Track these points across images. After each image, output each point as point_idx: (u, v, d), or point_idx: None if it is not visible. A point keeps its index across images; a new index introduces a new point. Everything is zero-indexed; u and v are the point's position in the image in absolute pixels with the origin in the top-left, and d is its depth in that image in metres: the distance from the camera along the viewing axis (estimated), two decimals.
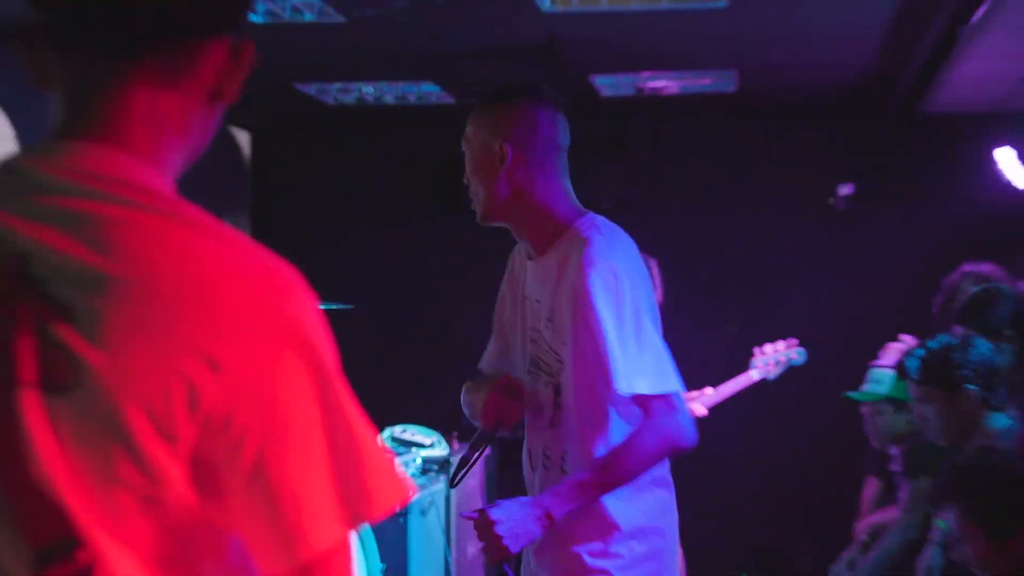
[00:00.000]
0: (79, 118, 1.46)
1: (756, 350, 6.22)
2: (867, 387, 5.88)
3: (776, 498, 7.54)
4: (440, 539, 6.27)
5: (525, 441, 4.27)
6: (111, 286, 1.35)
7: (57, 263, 1.36)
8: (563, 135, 3.89)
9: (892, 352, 5.86)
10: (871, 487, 6.32)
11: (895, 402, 5.78)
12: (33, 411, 1.36)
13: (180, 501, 1.32)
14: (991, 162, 6.01)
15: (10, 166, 1.46)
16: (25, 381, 1.35)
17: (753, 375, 6.18)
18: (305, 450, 1.33)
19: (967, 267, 5.64)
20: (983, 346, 4.36)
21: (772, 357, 6.19)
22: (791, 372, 6.57)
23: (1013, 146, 5.82)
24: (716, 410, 6.26)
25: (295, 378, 1.33)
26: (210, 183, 7.73)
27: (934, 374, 4.29)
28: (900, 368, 4.76)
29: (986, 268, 5.42)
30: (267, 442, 1.32)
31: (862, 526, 6.33)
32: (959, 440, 4.36)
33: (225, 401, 1.30)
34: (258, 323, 1.36)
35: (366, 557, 5.42)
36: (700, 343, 6.43)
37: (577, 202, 3.72)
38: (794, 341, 6.25)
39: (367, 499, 1.35)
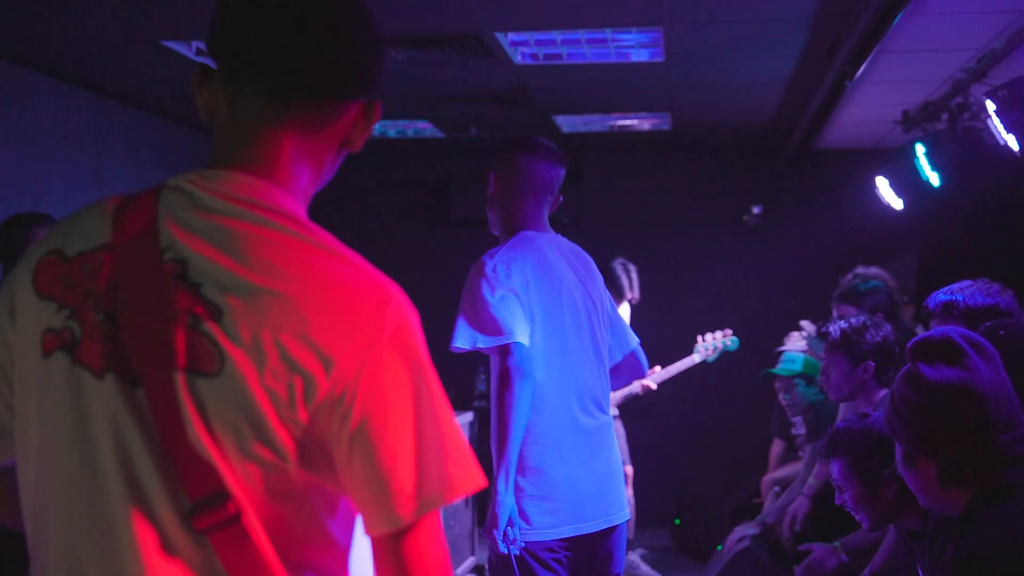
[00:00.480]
0: (237, 151, 1.54)
1: (699, 337, 6.26)
2: (783, 366, 6.13)
3: (705, 456, 7.59)
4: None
5: None
6: (250, 292, 1.43)
7: (209, 270, 1.44)
8: (541, 176, 4.12)
9: (794, 338, 6.15)
10: (777, 447, 6.47)
11: (806, 377, 6.05)
12: (187, 390, 1.44)
13: (299, 471, 1.40)
14: (870, 188, 6.20)
15: (179, 186, 1.50)
16: (181, 366, 1.44)
17: (695, 358, 6.23)
18: (399, 436, 1.38)
19: (859, 269, 5.83)
20: (888, 331, 4.40)
21: (711, 343, 6.23)
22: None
23: (886, 175, 6.02)
24: (664, 385, 6.31)
25: (395, 377, 1.40)
26: None
27: (847, 343, 4.32)
28: (822, 331, 4.78)
29: (873, 270, 5.63)
30: (368, 427, 1.37)
31: (768, 479, 6.45)
32: (848, 398, 4.47)
33: (335, 393, 1.37)
34: (366, 330, 1.41)
35: None
36: (651, 333, 6.63)
37: (539, 225, 3.91)
38: (729, 331, 6.29)
39: (448, 483, 1.40)
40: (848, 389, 4.45)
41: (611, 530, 3.84)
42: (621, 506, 3.88)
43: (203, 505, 1.41)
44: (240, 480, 1.40)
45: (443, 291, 7.83)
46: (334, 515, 1.48)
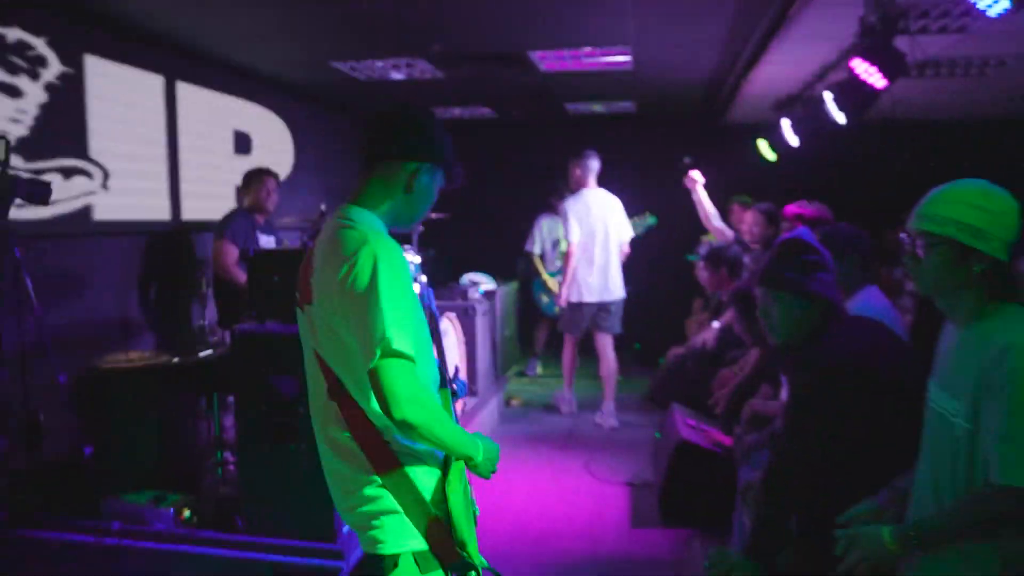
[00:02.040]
0: (353, 193, 1.71)
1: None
2: (698, 253, 6.35)
3: (655, 306, 7.49)
4: (492, 330, 6.12)
5: None
6: (318, 259, 1.62)
7: (321, 245, 1.63)
8: (587, 167, 5.59)
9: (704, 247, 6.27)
10: (696, 303, 6.60)
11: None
12: (309, 316, 1.66)
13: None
14: (753, 146, 6.16)
15: (337, 209, 1.69)
16: (306, 300, 1.65)
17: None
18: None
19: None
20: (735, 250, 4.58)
21: (638, 222, 6.25)
22: (660, 245, 6.89)
23: (765, 138, 5.95)
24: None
25: (357, 280, 1.51)
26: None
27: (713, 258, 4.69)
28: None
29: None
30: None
31: (689, 321, 6.57)
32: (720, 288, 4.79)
33: (346, 297, 1.53)
34: (343, 265, 1.53)
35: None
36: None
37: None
38: (646, 213, 6.32)
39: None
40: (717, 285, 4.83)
41: None
42: None
43: (332, 390, 1.62)
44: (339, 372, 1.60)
45: (501, 210, 8.12)
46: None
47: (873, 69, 3.84)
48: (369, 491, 1.58)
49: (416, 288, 4.46)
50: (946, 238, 1.64)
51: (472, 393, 5.56)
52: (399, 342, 1.48)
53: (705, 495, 3.65)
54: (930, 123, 7.28)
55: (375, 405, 1.53)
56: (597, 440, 5.32)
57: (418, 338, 1.58)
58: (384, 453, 1.57)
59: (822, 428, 2.09)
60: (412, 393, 1.48)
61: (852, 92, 4.11)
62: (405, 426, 1.49)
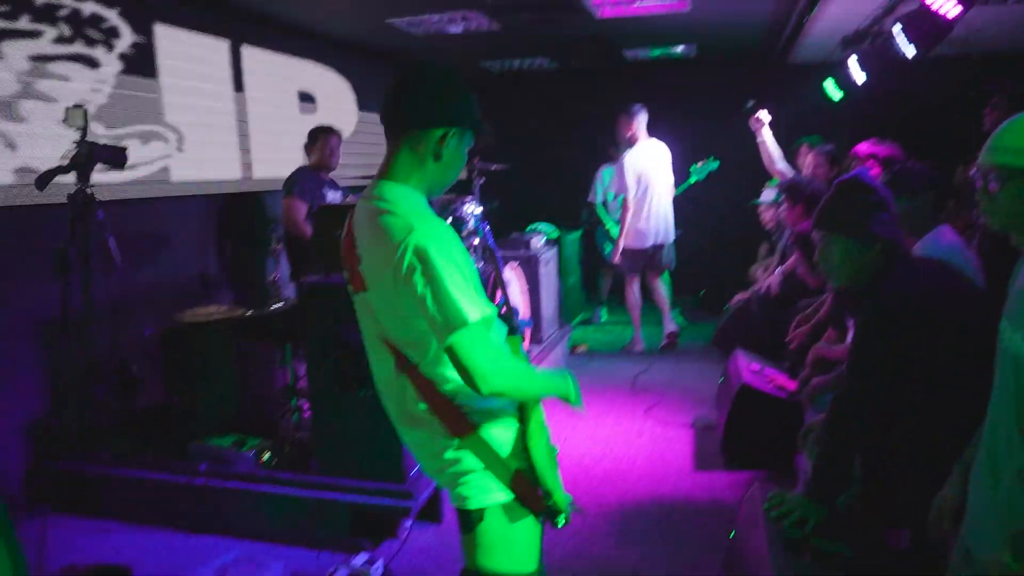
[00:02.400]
0: (383, 166, 1.67)
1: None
2: (763, 198, 6.24)
3: (717, 253, 7.48)
4: (556, 279, 6.04)
5: None
6: (364, 248, 1.63)
7: (362, 232, 1.64)
8: (638, 121, 5.64)
9: (768, 191, 6.11)
10: (762, 248, 6.41)
11: (775, 204, 6.15)
12: (366, 301, 1.68)
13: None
14: (822, 88, 5.98)
15: (368, 188, 1.67)
16: (360, 288, 1.68)
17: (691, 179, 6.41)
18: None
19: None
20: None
21: (698, 166, 6.36)
22: (725, 191, 6.74)
23: (832, 77, 5.77)
24: (684, 203, 6.43)
25: (414, 271, 1.50)
26: None
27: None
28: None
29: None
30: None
31: (754, 267, 6.34)
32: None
33: (403, 283, 1.51)
34: (412, 251, 1.50)
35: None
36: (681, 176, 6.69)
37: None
38: (709, 157, 6.35)
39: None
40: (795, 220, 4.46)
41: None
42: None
43: (398, 358, 1.65)
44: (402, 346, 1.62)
45: (559, 163, 8.06)
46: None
47: None
48: (450, 454, 1.63)
49: (475, 240, 4.47)
50: (1020, 170, 1.52)
51: (537, 341, 5.57)
52: (468, 313, 1.49)
53: (767, 438, 3.60)
54: (1005, 55, 6.80)
55: (443, 372, 1.59)
56: (661, 386, 5.30)
57: (481, 298, 1.58)
58: (458, 417, 1.61)
59: (883, 369, 2.02)
60: (492, 363, 1.50)
61: (923, 23, 3.88)
62: (496, 396, 1.54)
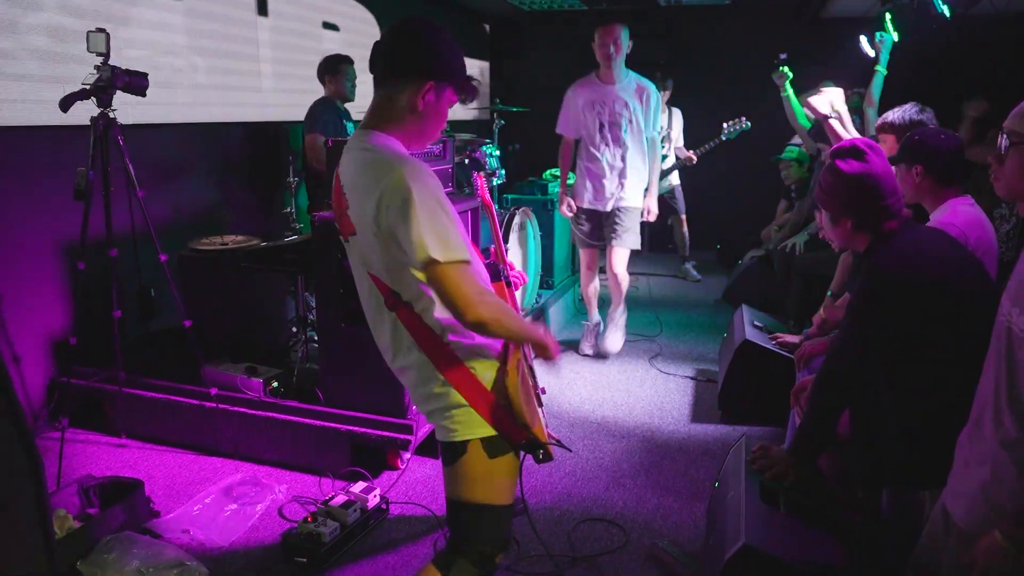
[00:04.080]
0: (367, 115, 1.73)
1: (723, 124, 6.07)
2: (784, 154, 6.17)
3: (736, 207, 7.55)
4: (566, 227, 6.32)
5: None
6: (351, 193, 1.67)
7: (349, 177, 1.68)
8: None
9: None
10: (781, 205, 6.43)
11: (797, 160, 6.09)
12: (355, 245, 1.73)
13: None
14: (857, 42, 5.90)
15: (353, 136, 1.73)
16: (350, 232, 1.72)
17: (722, 137, 6.12)
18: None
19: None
20: None
21: (732, 126, 6.06)
22: (748, 146, 6.57)
23: (865, 34, 5.67)
24: (706, 161, 6.47)
25: (396, 207, 1.54)
26: (470, 55, 7.74)
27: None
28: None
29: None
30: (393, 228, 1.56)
31: (770, 227, 6.33)
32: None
33: (388, 222, 1.56)
34: (380, 193, 1.56)
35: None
36: (711, 124, 6.65)
37: None
38: (742, 117, 6.03)
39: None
40: None
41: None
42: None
43: (388, 299, 1.70)
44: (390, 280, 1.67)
45: None
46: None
47: None
48: (437, 389, 1.70)
49: (493, 182, 4.46)
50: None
51: (548, 286, 5.62)
52: (452, 250, 1.55)
53: (765, 394, 3.65)
54: None
55: (430, 310, 1.65)
56: (667, 336, 5.32)
57: (463, 242, 1.63)
58: (444, 353, 1.67)
59: (874, 332, 2.05)
60: (476, 293, 1.56)
61: None
62: (478, 324, 1.58)
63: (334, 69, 4.83)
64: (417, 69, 1.65)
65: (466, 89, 1.71)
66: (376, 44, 1.70)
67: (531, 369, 1.99)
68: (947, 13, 4.06)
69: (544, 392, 2.23)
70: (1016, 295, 1.53)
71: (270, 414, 3.36)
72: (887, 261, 2.08)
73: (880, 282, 2.05)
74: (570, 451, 3.38)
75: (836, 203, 2.22)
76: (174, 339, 3.71)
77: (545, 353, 1.74)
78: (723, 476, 2.54)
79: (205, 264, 3.82)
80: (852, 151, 2.20)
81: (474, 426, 1.70)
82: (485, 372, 1.71)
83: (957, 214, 2.59)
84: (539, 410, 1.88)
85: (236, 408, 3.40)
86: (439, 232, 1.54)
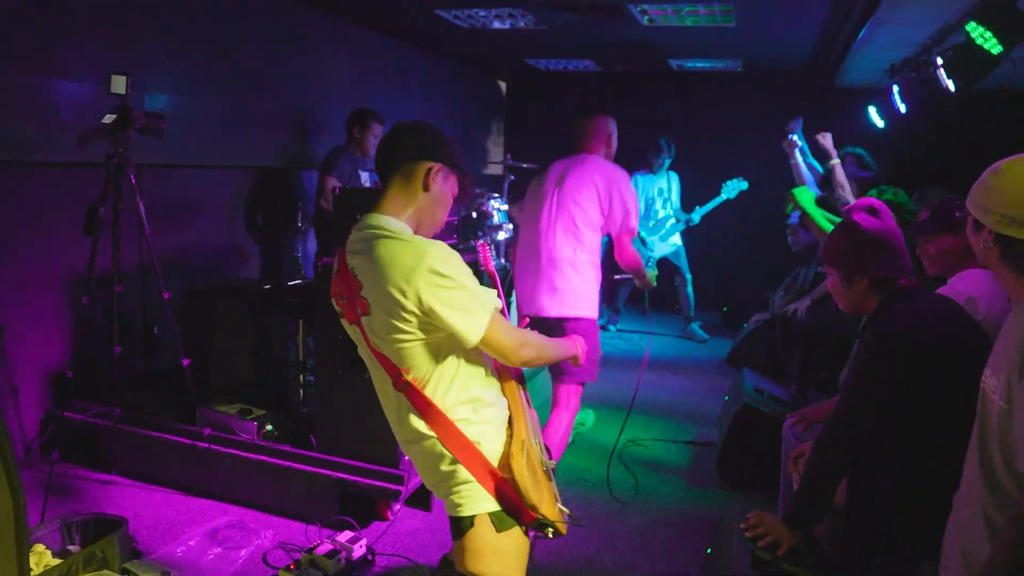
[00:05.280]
0: (376, 205, 1.80)
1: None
2: (791, 218, 6.13)
3: (743, 269, 7.56)
4: None
5: None
6: (368, 273, 1.69)
7: (359, 264, 1.72)
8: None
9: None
10: (791, 279, 6.50)
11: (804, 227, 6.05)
12: (363, 326, 1.75)
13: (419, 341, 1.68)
14: (866, 113, 5.97)
15: (364, 219, 1.78)
16: (359, 315, 1.75)
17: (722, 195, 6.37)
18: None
19: None
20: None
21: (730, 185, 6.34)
22: (756, 207, 6.71)
23: (874, 105, 5.73)
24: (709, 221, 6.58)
25: (432, 290, 1.62)
26: (486, 111, 7.94)
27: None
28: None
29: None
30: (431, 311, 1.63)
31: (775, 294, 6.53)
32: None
33: (423, 301, 1.62)
34: (411, 276, 1.62)
35: None
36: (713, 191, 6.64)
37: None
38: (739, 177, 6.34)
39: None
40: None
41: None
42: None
43: (395, 380, 1.74)
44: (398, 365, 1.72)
45: None
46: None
47: (989, 33, 3.53)
48: (444, 467, 1.74)
49: (499, 235, 4.40)
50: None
51: None
52: (484, 313, 1.69)
53: (763, 460, 3.56)
54: None
55: (439, 390, 1.73)
56: (666, 400, 5.26)
57: (484, 294, 1.75)
58: (451, 432, 1.71)
59: (874, 397, 2.03)
60: (516, 343, 1.75)
61: (965, 58, 3.80)
62: (525, 363, 1.80)
63: (363, 124, 4.93)
64: (428, 153, 1.78)
65: (464, 184, 1.84)
66: (383, 142, 1.83)
67: (542, 445, 1.97)
68: (952, 87, 4.07)
69: (556, 463, 2.20)
70: (993, 360, 1.57)
71: (262, 457, 3.32)
72: (897, 320, 2.06)
73: (890, 340, 2.03)
74: (581, 526, 3.25)
75: (853, 260, 2.18)
76: (174, 378, 3.70)
77: (575, 362, 2.00)
78: (716, 543, 2.47)
79: (208, 304, 3.83)
80: (867, 209, 2.21)
81: (481, 500, 1.73)
82: (493, 447, 1.75)
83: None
84: (550, 484, 1.88)
85: (228, 450, 3.37)
86: (470, 309, 1.66)
